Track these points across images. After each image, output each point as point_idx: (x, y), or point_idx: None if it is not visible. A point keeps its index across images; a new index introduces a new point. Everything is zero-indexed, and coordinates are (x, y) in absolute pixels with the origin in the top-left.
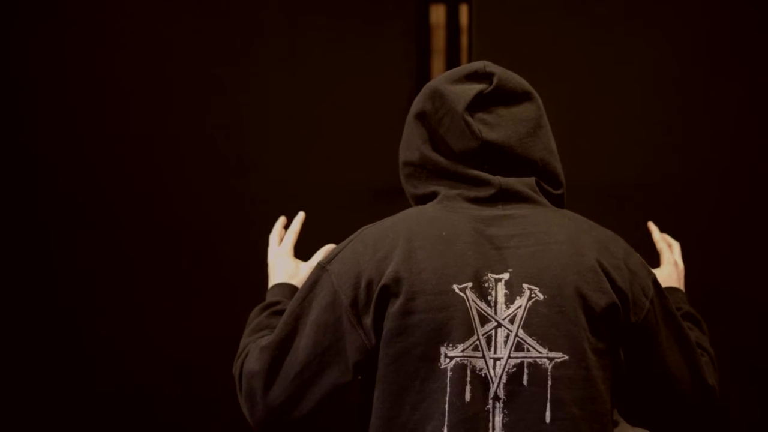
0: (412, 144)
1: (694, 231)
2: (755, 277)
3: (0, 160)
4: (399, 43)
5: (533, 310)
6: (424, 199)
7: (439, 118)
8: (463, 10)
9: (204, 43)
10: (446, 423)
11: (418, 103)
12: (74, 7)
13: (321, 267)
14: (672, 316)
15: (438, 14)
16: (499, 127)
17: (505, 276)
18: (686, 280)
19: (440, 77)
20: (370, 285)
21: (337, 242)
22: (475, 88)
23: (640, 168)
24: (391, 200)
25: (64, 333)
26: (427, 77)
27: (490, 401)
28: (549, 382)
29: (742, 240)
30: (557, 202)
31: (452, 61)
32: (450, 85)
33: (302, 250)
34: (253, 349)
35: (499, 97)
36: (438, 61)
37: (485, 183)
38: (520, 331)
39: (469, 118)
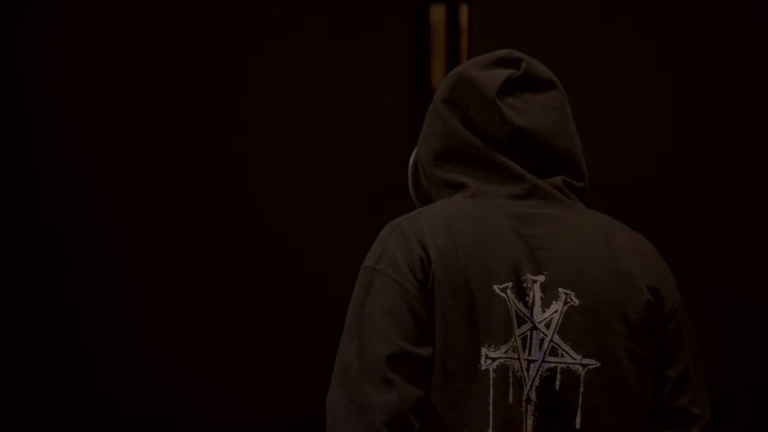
0: (439, 131)
1: (693, 232)
2: (755, 277)
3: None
4: (399, 43)
5: (568, 316)
6: (450, 190)
7: (468, 103)
8: (463, 10)
9: (204, 42)
10: (491, 425)
11: (444, 90)
12: (72, 6)
13: (371, 269)
14: (691, 328)
15: (438, 14)
16: (527, 113)
17: (541, 278)
18: (686, 281)
19: (465, 64)
20: (425, 277)
21: (335, 241)
22: (504, 72)
23: (639, 168)
24: (391, 200)
25: (60, 333)
26: (427, 77)
27: (524, 403)
28: (581, 389)
29: (741, 241)
30: (581, 194)
31: (452, 61)
32: (478, 70)
33: (302, 250)
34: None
35: (527, 83)
36: (438, 61)
37: (518, 177)
38: (556, 336)
39: (500, 103)
